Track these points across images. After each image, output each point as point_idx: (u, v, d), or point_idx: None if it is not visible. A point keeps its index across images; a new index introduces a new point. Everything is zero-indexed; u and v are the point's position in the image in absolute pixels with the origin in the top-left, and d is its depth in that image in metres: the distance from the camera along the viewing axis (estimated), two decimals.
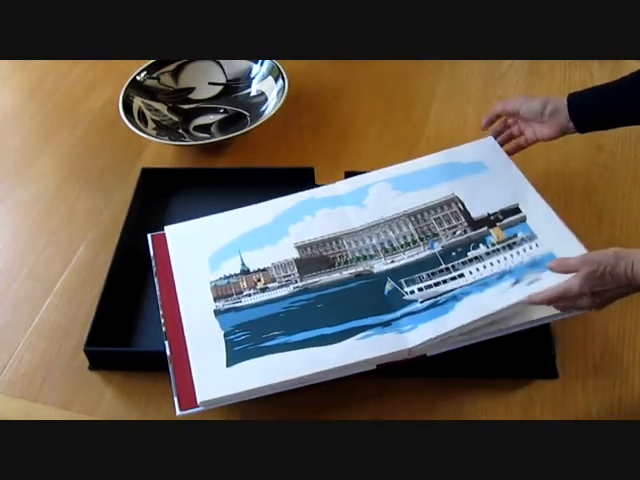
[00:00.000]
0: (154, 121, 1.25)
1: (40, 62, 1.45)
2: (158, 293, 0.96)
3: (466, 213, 0.99)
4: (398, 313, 0.89)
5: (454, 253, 0.95)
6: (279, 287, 0.94)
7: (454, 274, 0.92)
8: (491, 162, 1.04)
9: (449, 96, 1.31)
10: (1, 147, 1.28)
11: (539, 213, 0.96)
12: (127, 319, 0.97)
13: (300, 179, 1.10)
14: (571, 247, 0.89)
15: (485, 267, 0.92)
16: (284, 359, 0.86)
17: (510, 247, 0.94)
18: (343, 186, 1.06)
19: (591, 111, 0.96)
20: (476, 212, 0.99)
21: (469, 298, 0.89)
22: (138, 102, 1.26)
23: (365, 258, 0.96)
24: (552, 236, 0.93)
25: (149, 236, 1.03)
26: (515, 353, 0.89)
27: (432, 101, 1.29)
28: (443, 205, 1.00)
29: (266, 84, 1.29)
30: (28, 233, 1.13)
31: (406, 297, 0.90)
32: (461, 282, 0.91)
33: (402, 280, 0.92)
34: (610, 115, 0.96)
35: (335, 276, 0.95)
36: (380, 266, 0.95)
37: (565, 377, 0.90)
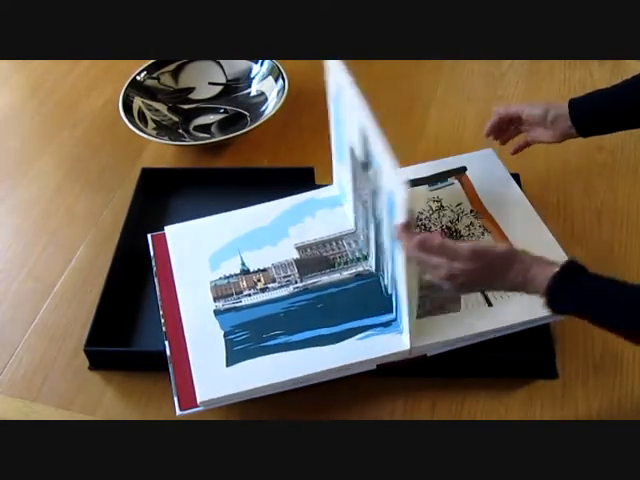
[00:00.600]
0: (154, 121, 1.25)
1: (40, 62, 1.45)
2: (158, 293, 0.96)
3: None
4: (395, 313, 0.89)
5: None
6: (279, 287, 0.94)
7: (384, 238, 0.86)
8: None
9: (449, 96, 1.31)
10: (1, 147, 1.28)
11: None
12: (127, 319, 0.97)
13: (300, 179, 1.10)
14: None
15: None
16: (284, 359, 0.86)
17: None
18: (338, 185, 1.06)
19: (593, 115, 0.95)
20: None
21: (396, 260, 0.82)
22: (138, 102, 1.26)
23: (365, 258, 0.96)
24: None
25: (149, 236, 1.03)
26: (515, 353, 0.89)
27: (432, 101, 1.29)
28: None
29: (266, 84, 1.29)
30: (28, 233, 1.13)
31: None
32: (386, 247, 0.85)
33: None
34: (612, 119, 0.95)
35: (335, 276, 0.95)
36: (376, 262, 0.95)
37: (565, 377, 0.89)
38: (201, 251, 0.99)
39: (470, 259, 0.75)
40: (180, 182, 1.16)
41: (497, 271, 0.75)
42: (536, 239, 0.94)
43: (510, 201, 1.00)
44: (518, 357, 0.89)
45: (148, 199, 1.13)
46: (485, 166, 1.05)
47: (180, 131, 1.26)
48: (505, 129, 1.04)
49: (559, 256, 0.92)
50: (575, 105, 0.95)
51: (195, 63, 1.32)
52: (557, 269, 0.74)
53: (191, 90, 1.32)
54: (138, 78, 1.28)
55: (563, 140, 0.98)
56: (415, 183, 1.04)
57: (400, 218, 0.75)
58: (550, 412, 0.87)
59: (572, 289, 0.74)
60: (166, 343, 0.89)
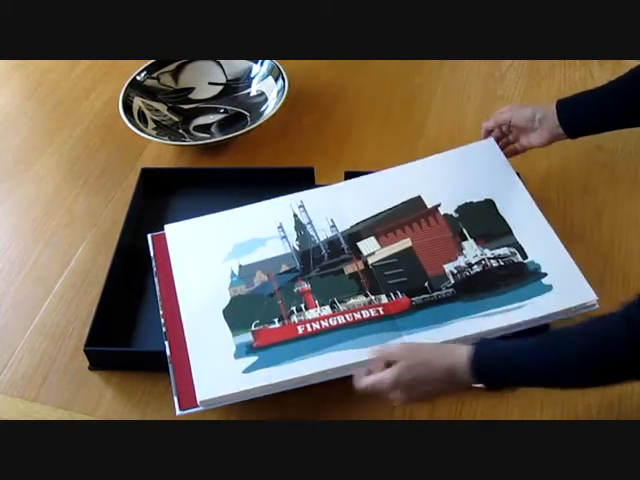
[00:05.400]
0: (154, 121, 1.25)
1: (40, 62, 1.45)
2: (158, 293, 0.96)
3: None
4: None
5: None
6: None
7: None
8: None
9: (449, 96, 1.31)
10: (1, 147, 1.28)
11: None
12: (127, 319, 0.97)
13: (300, 179, 1.10)
14: None
15: None
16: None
17: None
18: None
19: (579, 115, 0.96)
20: None
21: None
22: (138, 102, 1.25)
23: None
24: None
25: (149, 236, 1.03)
26: None
27: (432, 101, 1.29)
28: None
29: (266, 84, 1.29)
30: (28, 233, 1.12)
31: None
32: None
33: None
34: (598, 119, 0.97)
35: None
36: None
37: None
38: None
39: (404, 355, 0.77)
40: (180, 182, 1.16)
41: (425, 358, 0.77)
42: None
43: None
44: None
45: (148, 199, 1.13)
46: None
47: (180, 131, 1.26)
48: (500, 137, 1.05)
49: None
50: (562, 105, 0.96)
51: (195, 63, 1.32)
52: (470, 349, 0.75)
53: (191, 90, 1.32)
54: (138, 78, 1.28)
55: (552, 141, 0.99)
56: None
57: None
58: (550, 412, 0.87)
59: (489, 360, 0.75)
60: (166, 343, 0.89)
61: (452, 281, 0.92)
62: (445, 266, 0.94)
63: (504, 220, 0.98)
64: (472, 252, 0.95)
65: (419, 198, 1.02)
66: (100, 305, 0.95)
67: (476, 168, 1.04)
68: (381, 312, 0.90)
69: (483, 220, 0.99)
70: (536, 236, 0.95)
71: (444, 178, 1.04)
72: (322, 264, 0.96)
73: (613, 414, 0.86)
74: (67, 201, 1.17)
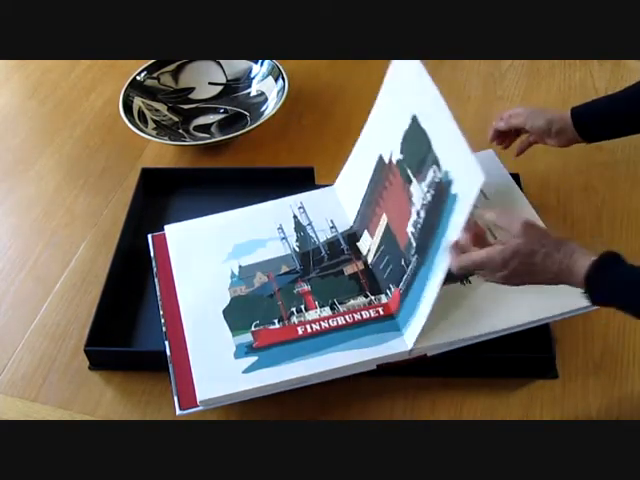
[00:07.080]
0: (154, 121, 1.25)
1: (40, 62, 1.45)
2: (158, 293, 0.96)
3: None
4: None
5: None
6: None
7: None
8: None
9: (449, 96, 1.29)
10: (1, 147, 1.28)
11: None
12: (127, 319, 0.97)
13: (300, 179, 1.10)
14: None
15: None
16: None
17: None
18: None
19: (596, 121, 0.96)
20: None
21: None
22: (138, 102, 1.26)
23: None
24: None
25: (149, 236, 1.03)
26: (515, 353, 0.89)
27: None
28: None
29: (266, 84, 1.29)
30: (28, 233, 1.12)
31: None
32: None
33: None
34: (615, 123, 0.96)
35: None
36: None
37: (565, 377, 0.90)
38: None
39: (512, 255, 0.75)
40: (180, 182, 1.16)
41: (544, 251, 0.74)
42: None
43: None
44: (518, 357, 0.89)
45: (148, 199, 1.13)
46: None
47: (180, 131, 1.26)
48: (507, 134, 1.04)
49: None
50: (578, 114, 0.96)
51: (195, 63, 1.32)
52: (595, 258, 0.73)
53: (191, 90, 1.32)
54: (138, 78, 1.28)
55: (568, 145, 0.99)
56: None
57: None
58: (550, 412, 0.87)
59: (609, 279, 0.73)
60: (166, 343, 0.89)
61: (414, 244, 0.88)
62: (407, 229, 0.89)
63: (425, 134, 0.89)
64: (418, 195, 0.88)
65: (380, 158, 0.97)
66: (100, 305, 0.95)
67: None
68: (381, 312, 0.90)
69: (415, 147, 0.90)
70: (448, 143, 0.87)
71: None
72: (322, 265, 0.97)
73: (613, 414, 0.86)
74: (67, 201, 1.17)
